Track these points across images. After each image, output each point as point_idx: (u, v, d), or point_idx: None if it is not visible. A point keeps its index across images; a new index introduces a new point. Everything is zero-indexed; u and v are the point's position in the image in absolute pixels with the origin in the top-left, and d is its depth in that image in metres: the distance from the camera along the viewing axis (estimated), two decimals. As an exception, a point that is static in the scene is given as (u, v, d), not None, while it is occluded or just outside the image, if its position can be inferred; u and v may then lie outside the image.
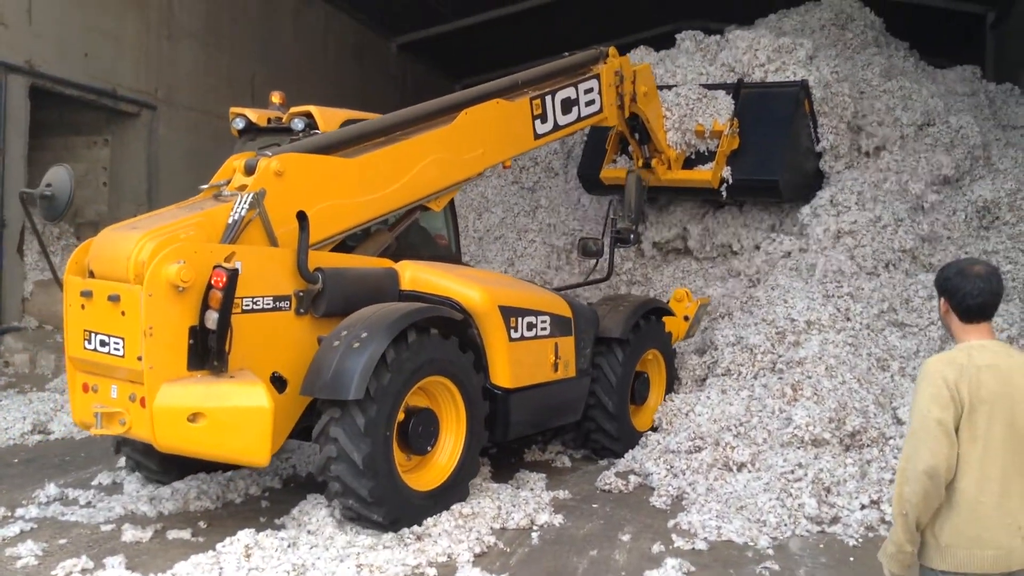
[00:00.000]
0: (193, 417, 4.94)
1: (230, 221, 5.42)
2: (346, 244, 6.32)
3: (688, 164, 9.99)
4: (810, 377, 7.44)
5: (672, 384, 8.33)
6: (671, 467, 6.87)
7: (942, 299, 3.00)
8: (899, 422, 7.28)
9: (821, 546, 5.66)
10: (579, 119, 8.30)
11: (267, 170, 5.67)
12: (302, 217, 5.67)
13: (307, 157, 5.94)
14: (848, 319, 8.36)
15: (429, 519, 5.64)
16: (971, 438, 2.79)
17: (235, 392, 5.05)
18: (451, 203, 7.48)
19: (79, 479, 6.81)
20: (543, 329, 6.84)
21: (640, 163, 9.89)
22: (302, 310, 5.69)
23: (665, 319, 8.31)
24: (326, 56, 17.10)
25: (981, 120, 10.67)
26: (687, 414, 7.63)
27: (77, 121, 12.39)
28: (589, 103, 8.37)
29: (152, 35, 12.54)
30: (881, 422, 7.13)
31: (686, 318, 8.74)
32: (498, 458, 7.28)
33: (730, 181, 9.77)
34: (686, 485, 6.60)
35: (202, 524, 5.80)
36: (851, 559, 5.46)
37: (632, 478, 6.95)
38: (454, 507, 5.85)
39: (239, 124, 6.76)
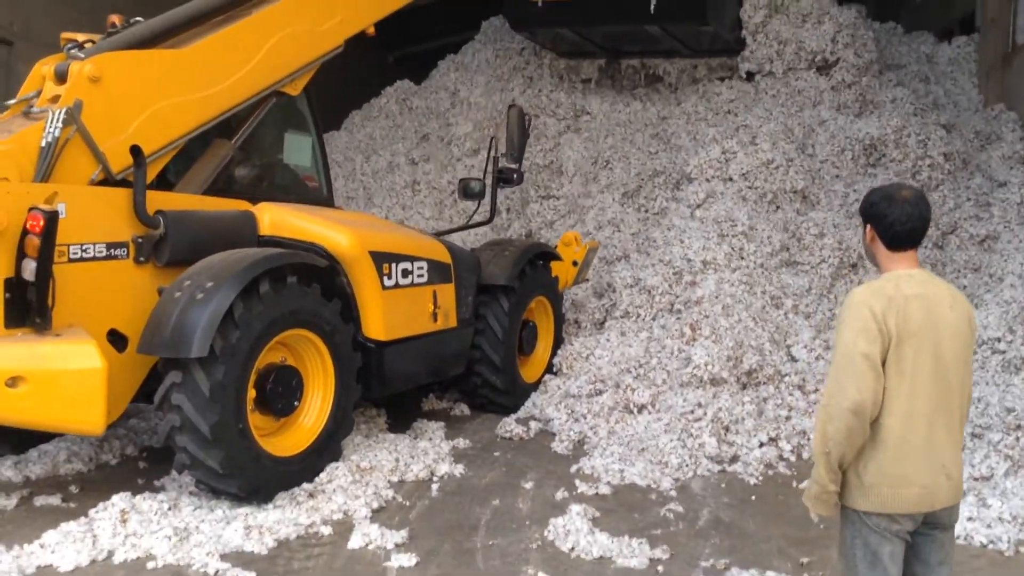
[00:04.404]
0: (12, 381, 4.32)
1: (43, 144, 4.75)
2: (166, 179, 5.56)
3: None
4: (707, 316, 7.39)
5: (560, 332, 8.07)
6: (572, 412, 6.75)
7: (867, 226, 2.84)
8: (793, 359, 7.34)
9: (723, 485, 5.64)
10: None
11: (80, 76, 4.95)
12: (136, 152, 5.06)
13: (127, 55, 5.22)
14: (742, 258, 8.35)
15: (323, 474, 5.33)
16: (898, 372, 2.66)
17: (62, 352, 4.46)
18: (321, 142, 6.85)
19: (-67, 445, 6.23)
20: (420, 276, 6.38)
21: None
22: (142, 258, 5.11)
23: (552, 264, 8.01)
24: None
25: (868, 59, 10.76)
26: (587, 358, 7.50)
27: (-79, 57, 11.29)
28: None
29: (4, -36, 11.46)
30: (776, 359, 7.17)
31: (575, 263, 8.41)
32: (395, 408, 7.01)
33: None
34: (587, 429, 6.49)
35: (73, 488, 5.39)
36: (752, 497, 5.45)
37: (533, 424, 6.80)
38: (350, 460, 5.57)
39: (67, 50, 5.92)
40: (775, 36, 10.74)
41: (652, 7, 9.94)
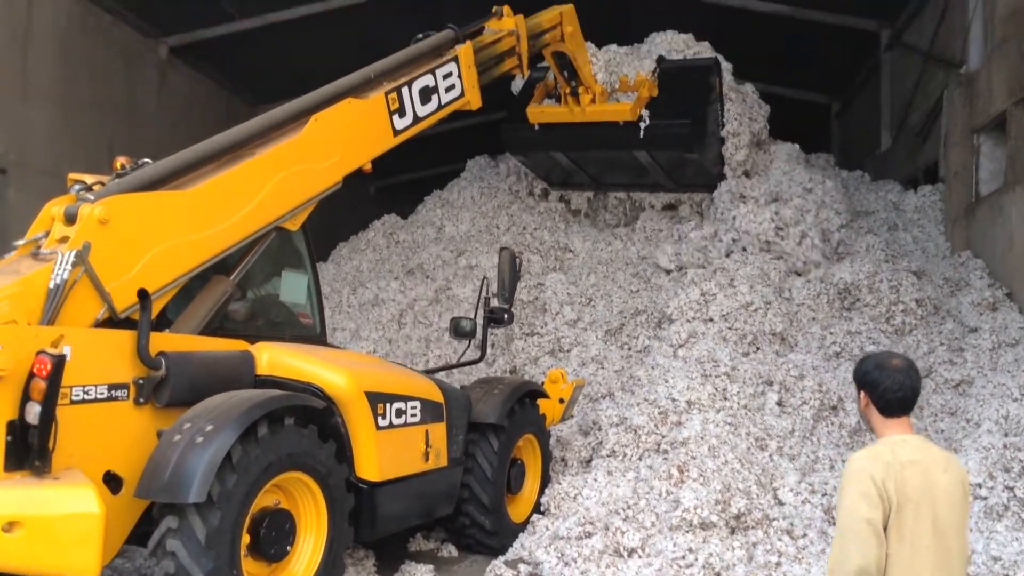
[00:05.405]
0: (9, 527, 4.24)
1: (51, 286, 4.82)
2: (164, 317, 5.63)
3: None
4: (694, 458, 7.46)
5: (548, 470, 8.11)
6: (562, 555, 6.70)
7: (861, 392, 3.01)
8: (780, 503, 7.38)
9: (717, 635, 5.60)
10: (440, 107, 7.93)
11: (90, 219, 5.06)
12: (143, 296, 5.15)
13: (136, 197, 5.36)
14: (726, 398, 8.51)
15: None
16: (899, 537, 2.78)
17: (60, 496, 4.41)
18: (316, 278, 7.01)
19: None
20: (413, 416, 6.41)
21: (568, 89, 10.62)
22: (142, 400, 5.10)
23: (539, 401, 8.11)
24: (190, 122, 16.55)
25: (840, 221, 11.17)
26: (575, 498, 7.50)
27: (-84, 185, 11.48)
28: (449, 88, 8.03)
29: (3, 95, 11.82)
30: (764, 503, 7.20)
31: (561, 400, 8.52)
32: (381, 549, 6.94)
33: (647, 121, 10.73)
34: (578, 574, 6.44)
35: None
36: (748, 648, 5.41)
37: (522, 567, 6.74)
38: (340, 608, 5.49)
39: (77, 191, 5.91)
40: (750, 211, 11.03)
41: (642, 132, 10.67)
